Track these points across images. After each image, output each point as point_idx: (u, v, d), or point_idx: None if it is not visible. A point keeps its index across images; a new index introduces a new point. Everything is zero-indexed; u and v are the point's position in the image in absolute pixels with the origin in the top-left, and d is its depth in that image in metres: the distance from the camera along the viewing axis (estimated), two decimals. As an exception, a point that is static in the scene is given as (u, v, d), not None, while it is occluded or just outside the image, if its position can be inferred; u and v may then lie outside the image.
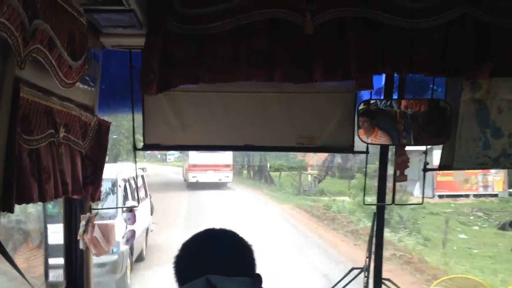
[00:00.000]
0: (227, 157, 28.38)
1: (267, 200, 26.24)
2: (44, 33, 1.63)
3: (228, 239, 1.64)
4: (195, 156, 27.60)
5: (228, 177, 29.82)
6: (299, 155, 34.38)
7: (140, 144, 3.12)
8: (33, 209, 2.95)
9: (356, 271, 3.50)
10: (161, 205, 17.76)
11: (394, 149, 3.12)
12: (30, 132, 1.80)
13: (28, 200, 1.76)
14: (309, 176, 31.98)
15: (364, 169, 3.74)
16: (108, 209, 3.02)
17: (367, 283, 3.43)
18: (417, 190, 22.64)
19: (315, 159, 35.01)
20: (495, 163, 3.00)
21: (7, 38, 1.38)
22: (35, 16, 1.53)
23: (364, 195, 3.42)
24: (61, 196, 2.10)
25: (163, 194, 22.88)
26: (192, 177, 28.62)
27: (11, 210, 1.67)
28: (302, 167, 34.67)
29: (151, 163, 45.66)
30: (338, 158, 31.63)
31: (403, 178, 3.07)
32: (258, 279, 1.59)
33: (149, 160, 48.40)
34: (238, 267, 1.56)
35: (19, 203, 1.73)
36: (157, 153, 46.91)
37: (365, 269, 3.43)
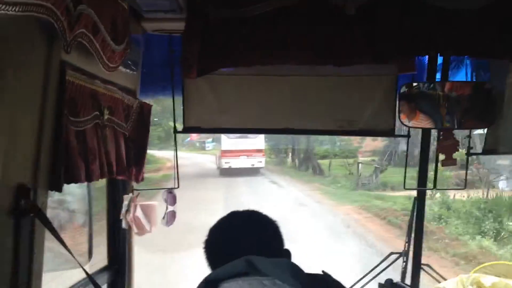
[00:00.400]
0: (259, 142, 28.35)
1: (321, 198, 20.89)
2: (88, 18, 1.67)
3: (253, 219, 1.70)
4: (227, 142, 27.72)
5: (261, 162, 29.53)
6: (354, 141, 32.32)
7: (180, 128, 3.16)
8: (78, 189, 3.05)
9: (394, 256, 3.48)
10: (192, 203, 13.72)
11: (436, 133, 3.06)
12: (76, 114, 1.86)
13: (76, 180, 1.83)
14: (360, 165, 27.21)
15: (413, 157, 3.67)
16: (150, 189, 3.11)
17: (405, 268, 3.41)
18: (503, 183, 19.41)
19: (364, 143, 32.29)
20: None
21: (53, 22, 1.42)
22: (79, 1, 1.57)
23: (404, 179, 3.37)
24: (106, 176, 2.17)
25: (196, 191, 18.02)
26: (225, 163, 28.53)
27: (60, 189, 1.74)
28: (352, 154, 31.07)
29: (190, 151, 44.76)
30: (402, 144, 23.47)
31: (452, 162, 2.98)
32: (287, 253, 1.65)
33: (188, 148, 48.13)
34: (267, 245, 1.62)
35: (68, 182, 1.80)
36: (195, 140, 46.59)
37: (404, 254, 3.41)
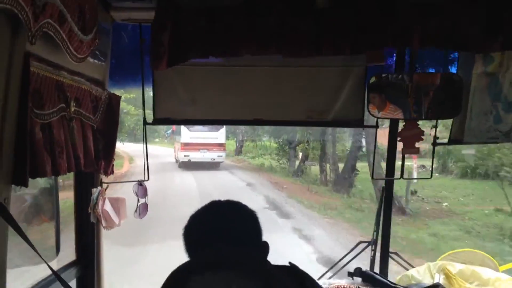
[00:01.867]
0: (220, 136, 27.54)
1: None
2: (54, 7, 1.62)
3: (233, 208, 1.72)
4: (187, 135, 26.67)
5: (221, 156, 28.30)
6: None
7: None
8: (45, 182, 2.99)
9: (363, 245, 3.54)
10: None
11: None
12: (41, 107, 1.81)
13: (42, 174, 1.79)
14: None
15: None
16: (118, 182, 3.07)
17: (374, 256, 3.47)
18: None
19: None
20: (506, 137, 2.99)
21: (17, 13, 1.37)
22: None
23: (372, 170, 3.44)
24: (74, 170, 2.12)
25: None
26: (184, 156, 27.39)
27: (25, 184, 1.69)
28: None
29: (172, 145, 39.69)
30: None
31: (414, 150, 3.05)
32: (265, 245, 1.67)
33: (170, 141, 44.00)
34: (246, 235, 1.64)
35: (33, 177, 1.75)
36: (166, 133, 43.47)
37: (373, 242, 3.47)
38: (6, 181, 1.64)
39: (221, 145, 28.08)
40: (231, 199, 1.75)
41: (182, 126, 24.23)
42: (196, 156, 27.05)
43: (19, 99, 1.67)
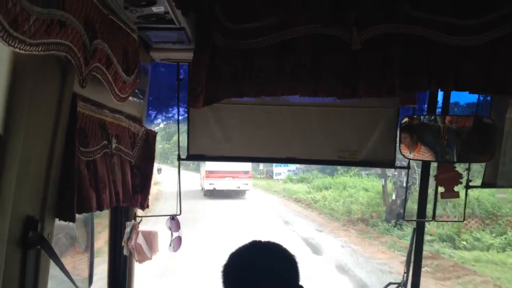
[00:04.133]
0: (245, 163, 26.87)
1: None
2: (103, 52, 1.71)
3: (274, 249, 1.74)
4: (211, 162, 26.74)
5: (246, 184, 28.14)
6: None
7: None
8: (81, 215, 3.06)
9: (393, 286, 3.48)
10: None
11: (436, 165, 3.10)
12: (86, 145, 1.89)
13: (88, 209, 1.86)
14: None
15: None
16: (151, 216, 3.13)
17: None
18: None
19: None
20: None
21: (71, 59, 1.46)
22: (95, 36, 1.61)
23: (404, 210, 3.41)
24: (114, 205, 2.19)
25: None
26: (209, 184, 27.48)
27: (73, 220, 1.76)
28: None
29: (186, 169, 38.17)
30: None
31: (453, 194, 3.01)
32: None
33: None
34: (284, 278, 1.66)
35: (80, 212, 1.82)
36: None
37: (403, 284, 3.41)
38: (51, 217, 1.71)
39: (246, 172, 27.94)
40: (272, 240, 1.77)
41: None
42: (221, 184, 26.99)
43: (66, 138, 1.75)
